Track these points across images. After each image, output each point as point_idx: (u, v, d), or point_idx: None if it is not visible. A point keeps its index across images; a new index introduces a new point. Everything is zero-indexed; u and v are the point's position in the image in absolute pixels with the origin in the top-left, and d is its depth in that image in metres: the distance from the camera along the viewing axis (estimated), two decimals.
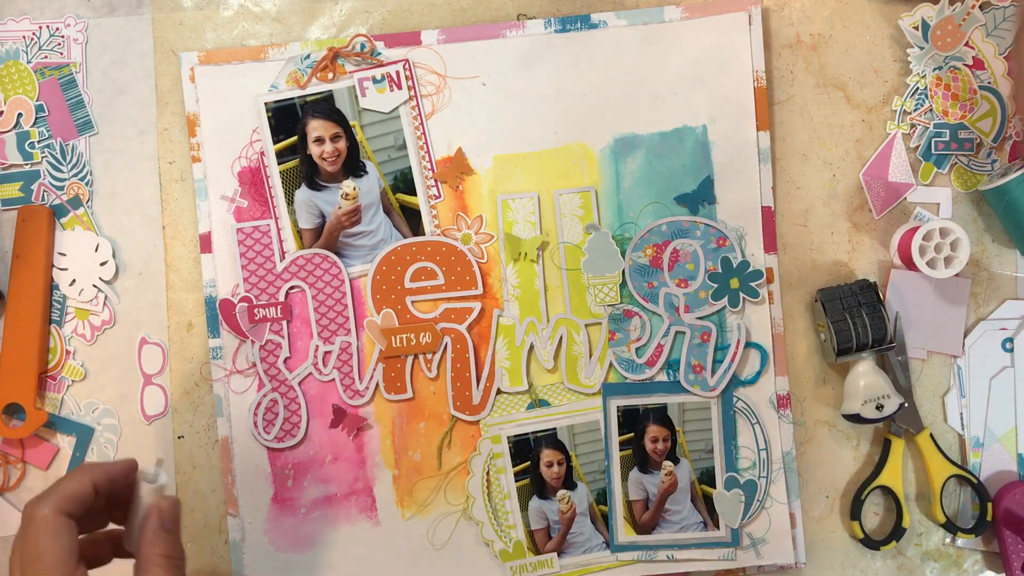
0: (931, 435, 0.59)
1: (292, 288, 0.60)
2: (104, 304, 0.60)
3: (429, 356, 0.60)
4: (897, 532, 0.59)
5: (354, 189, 0.60)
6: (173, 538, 0.44)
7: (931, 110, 0.61)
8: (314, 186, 0.60)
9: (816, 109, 0.61)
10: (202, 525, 0.60)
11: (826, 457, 0.60)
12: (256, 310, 0.59)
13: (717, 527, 0.59)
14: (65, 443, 0.60)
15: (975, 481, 0.59)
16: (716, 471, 0.60)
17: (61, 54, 0.61)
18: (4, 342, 0.59)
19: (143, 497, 0.45)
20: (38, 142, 0.60)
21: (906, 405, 0.58)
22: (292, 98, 0.60)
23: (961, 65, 0.61)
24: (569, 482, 0.60)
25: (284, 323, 0.59)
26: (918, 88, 0.61)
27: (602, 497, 0.60)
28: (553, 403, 0.60)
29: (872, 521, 0.60)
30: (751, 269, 0.59)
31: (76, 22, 0.61)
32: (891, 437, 0.59)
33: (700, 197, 0.60)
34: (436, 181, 0.60)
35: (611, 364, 0.59)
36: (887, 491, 0.60)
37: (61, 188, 0.60)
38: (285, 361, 0.59)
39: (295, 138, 0.60)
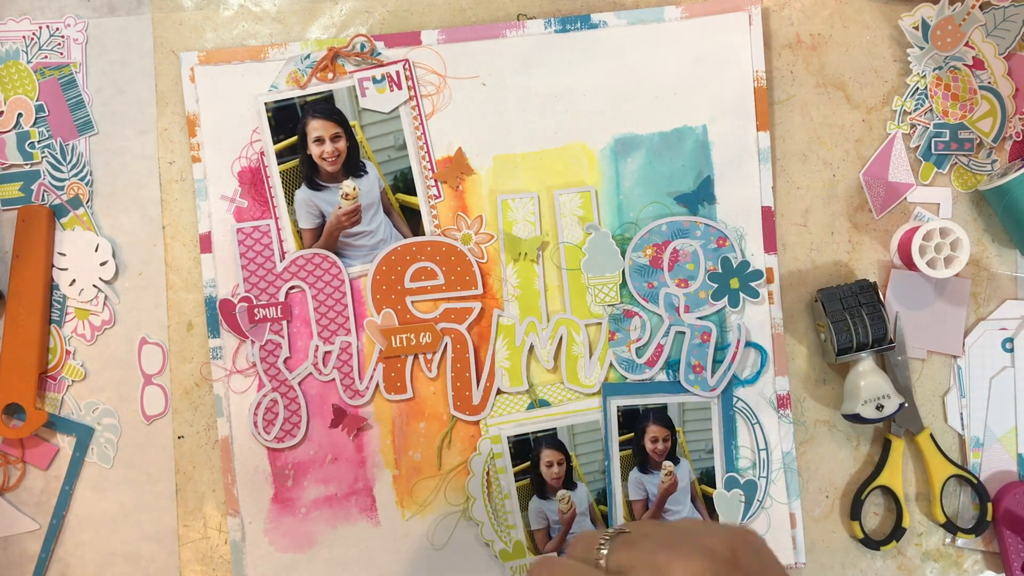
0: (931, 435, 0.59)
1: (292, 288, 0.60)
2: (104, 304, 0.60)
3: (429, 356, 0.60)
4: (897, 532, 0.59)
5: (354, 189, 0.60)
6: None
7: (931, 110, 0.61)
8: (314, 186, 0.60)
9: (816, 109, 0.61)
10: (202, 525, 0.60)
11: (826, 457, 0.60)
12: (256, 310, 0.59)
13: None
14: (65, 443, 0.60)
15: (975, 481, 0.59)
16: (716, 471, 0.60)
17: (61, 54, 0.61)
18: (4, 342, 0.59)
19: None
20: (38, 142, 0.60)
21: (906, 405, 0.58)
22: (292, 98, 0.60)
23: (961, 65, 0.61)
24: (569, 482, 0.60)
25: (284, 323, 0.59)
26: (918, 88, 0.61)
27: (602, 497, 0.60)
28: (553, 403, 0.60)
29: (872, 521, 0.60)
30: (751, 269, 0.59)
31: (76, 22, 0.61)
32: (891, 437, 0.59)
33: (700, 197, 0.60)
34: (436, 181, 0.60)
35: (611, 364, 0.59)
36: (887, 491, 0.60)
37: (61, 188, 0.60)
38: (285, 361, 0.59)
39: (295, 138, 0.60)
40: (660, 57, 0.60)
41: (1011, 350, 0.60)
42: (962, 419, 0.60)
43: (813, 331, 0.61)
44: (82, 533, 0.60)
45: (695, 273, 0.59)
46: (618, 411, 0.59)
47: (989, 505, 0.59)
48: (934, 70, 0.61)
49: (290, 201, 0.60)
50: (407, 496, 0.60)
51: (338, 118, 0.60)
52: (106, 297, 0.60)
